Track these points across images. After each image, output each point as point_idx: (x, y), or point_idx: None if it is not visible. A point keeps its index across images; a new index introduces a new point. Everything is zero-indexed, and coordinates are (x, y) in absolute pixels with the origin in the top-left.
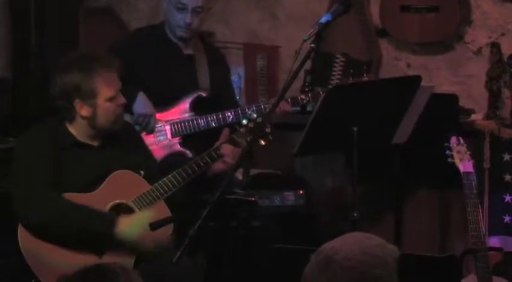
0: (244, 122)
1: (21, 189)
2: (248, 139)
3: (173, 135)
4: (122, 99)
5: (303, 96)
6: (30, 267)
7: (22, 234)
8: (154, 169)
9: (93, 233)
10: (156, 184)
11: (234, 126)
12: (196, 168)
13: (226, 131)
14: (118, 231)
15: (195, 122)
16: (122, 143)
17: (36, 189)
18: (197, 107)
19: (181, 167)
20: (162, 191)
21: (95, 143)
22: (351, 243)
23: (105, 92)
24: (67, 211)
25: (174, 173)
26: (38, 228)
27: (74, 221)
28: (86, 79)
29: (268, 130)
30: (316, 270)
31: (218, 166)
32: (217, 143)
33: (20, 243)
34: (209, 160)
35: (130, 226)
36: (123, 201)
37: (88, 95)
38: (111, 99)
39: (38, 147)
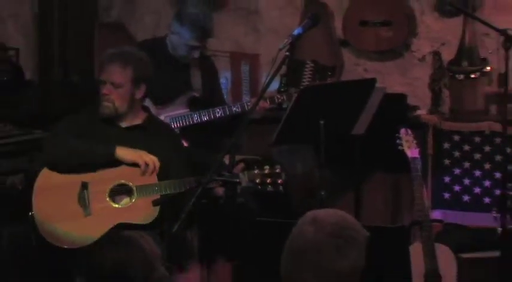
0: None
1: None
2: (258, 181)
3: None
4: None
5: (279, 96)
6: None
7: (38, 179)
8: (174, 172)
9: (97, 153)
10: (162, 182)
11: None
12: (201, 184)
13: (240, 165)
14: (117, 149)
15: (190, 116)
16: (152, 135)
17: (55, 133)
18: (191, 105)
19: (190, 178)
20: (163, 189)
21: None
22: (332, 212)
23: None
24: (75, 140)
25: (182, 180)
26: (54, 159)
27: (80, 146)
28: None
29: (280, 181)
30: (304, 224)
31: (218, 190)
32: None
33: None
34: (217, 185)
35: (127, 148)
36: (129, 183)
37: None
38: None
39: (70, 120)
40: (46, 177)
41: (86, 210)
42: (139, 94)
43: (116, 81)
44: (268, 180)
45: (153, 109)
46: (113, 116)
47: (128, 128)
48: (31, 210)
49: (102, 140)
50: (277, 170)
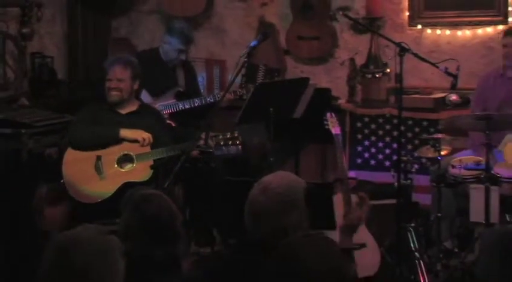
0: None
1: (70, 125)
2: (223, 143)
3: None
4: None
5: (241, 90)
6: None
7: (65, 156)
8: (161, 142)
9: (106, 136)
10: (154, 150)
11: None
12: (184, 152)
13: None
14: (121, 131)
15: (176, 105)
16: (145, 118)
17: (76, 121)
18: (177, 96)
19: (173, 146)
20: (155, 155)
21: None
22: (279, 178)
23: None
24: (89, 128)
25: (168, 148)
26: (76, 140)
27: (94, 132)
28: None
29: (238, 142)
30: (257, 194)
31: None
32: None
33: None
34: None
35: (128, 129)
36: (131, 153)
37: None
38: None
39: (86, 110)
40: (70, 154)
41: (101, 175)
42: (135, 86)
43: (120, 77)
44: (230, 142)
45: (150, 99)
46: (119, 103)
47: (126, 114)
48: (62, 179)
49: (109, 124)
50: (236, 135)
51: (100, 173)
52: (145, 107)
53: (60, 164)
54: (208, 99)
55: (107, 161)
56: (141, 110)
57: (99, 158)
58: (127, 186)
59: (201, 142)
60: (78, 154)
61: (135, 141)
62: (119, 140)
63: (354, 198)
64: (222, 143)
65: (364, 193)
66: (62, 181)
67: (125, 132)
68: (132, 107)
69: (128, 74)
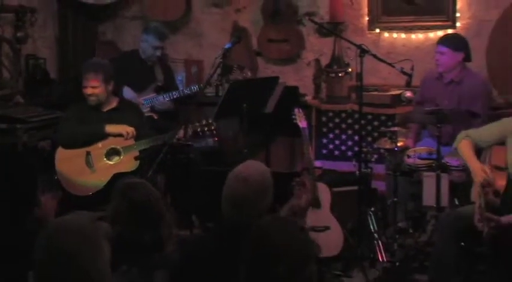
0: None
1: (58, 127)
2: (199, 130)
3: (145, 106)
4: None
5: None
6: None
7: (57, 155)
8: (144, 134)
9: (92, 133)
10: (137, 142)
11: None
12: (166, 143)
13: (184, 125)
14: (106, 127)
15: (156, 98)
16: (124, 113)
17: (64, 119)
18: (157, 91)
19: (153, 137)
20: (139, 146)
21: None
22: (254, 168)
23: None
24: (76, 127)
25: (149, 140)
26: (66, 141)
27: (81, 130)
28: None
29: (213, 128)
30: (238, 184)
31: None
32: (178, 132)
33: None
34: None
35: (112, 125)
36: (117, 146)
37: None
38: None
39: (72, 109)
40: (62, 153)
41: (92, 169)
42: (110, 87)
43: (93, 84)
44: (206, 129)
45: (133, 94)
46: (98, 104)
47: (107, 111)
48: (55, 171)
49: (94, 122)
50: (210, 121)
51: (91, 167)
52: (124, 103)
53: (52, 155)
54: (185, 91)
55: (96, 156)
56: (121, 106)
57: (88, 153)
58: (116, 177)
59: (181, 135)
60: (69, 152)
61: (120, 135)
62: (105, 136)
63: (319, 185)
64: (199, 130)
65: (304, 178)
66: (56, 178)
67: (109, 128)
68: (112, 104)
69: (101, 79)
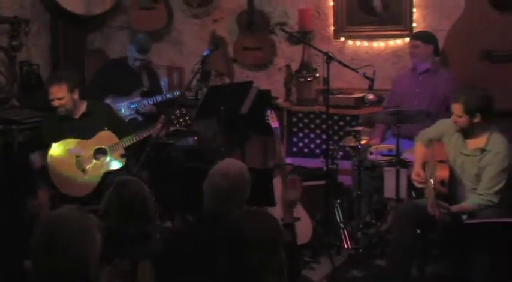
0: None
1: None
2: (176, 122)
3: (131, 109)
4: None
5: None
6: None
7: (49, 163)
8: (124, 131)
9: None
10: (121, 140)
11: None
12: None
13: (163, 117)
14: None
15: (141, 102)
16: (96, 114)
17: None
18: (143, 95)
19: (136, 132)
20: (124, 143)
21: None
22: (233, 164)
23: None
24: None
25: (132, 135)
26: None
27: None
28: None
29: (187, 118)
30: (220, 180)
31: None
32: (158, 126)
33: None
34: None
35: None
36: (104, 146)
37: None
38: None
39: (45, 124)
40: (53, 160)
41: (83, 171)
42: (76, 96)
43: (58, 96)
44: (181, 120)
45: (118, 98)
46: (67, 114)
47: (79, 118)
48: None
49: (68, 130)
50: (184, 112)
51: (82, 169)
52: (93, 105)
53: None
54: (168, 96)
55: (84, 158)
56: (91, 109)
57: (77, 157)
58: (105, 176)
59: (162, 132)
60: (59, 159)
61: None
62: (87, 136)
63: (289, 180)
64: (176, 122)
65: (297, 176)
66: (51, 182)
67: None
68: (81, 110)
69: (65, 90)
